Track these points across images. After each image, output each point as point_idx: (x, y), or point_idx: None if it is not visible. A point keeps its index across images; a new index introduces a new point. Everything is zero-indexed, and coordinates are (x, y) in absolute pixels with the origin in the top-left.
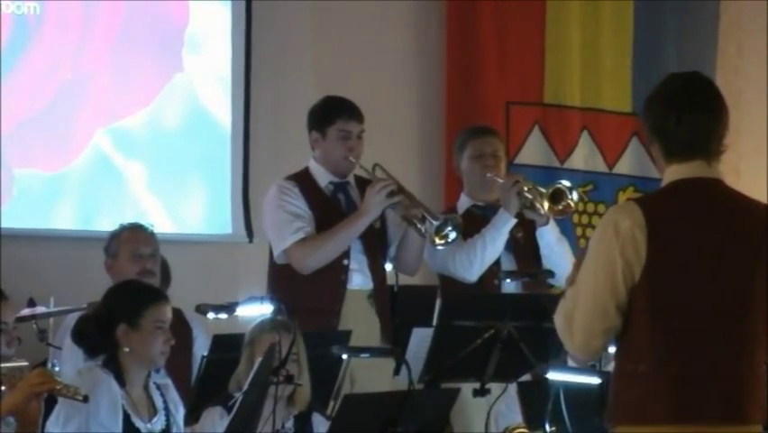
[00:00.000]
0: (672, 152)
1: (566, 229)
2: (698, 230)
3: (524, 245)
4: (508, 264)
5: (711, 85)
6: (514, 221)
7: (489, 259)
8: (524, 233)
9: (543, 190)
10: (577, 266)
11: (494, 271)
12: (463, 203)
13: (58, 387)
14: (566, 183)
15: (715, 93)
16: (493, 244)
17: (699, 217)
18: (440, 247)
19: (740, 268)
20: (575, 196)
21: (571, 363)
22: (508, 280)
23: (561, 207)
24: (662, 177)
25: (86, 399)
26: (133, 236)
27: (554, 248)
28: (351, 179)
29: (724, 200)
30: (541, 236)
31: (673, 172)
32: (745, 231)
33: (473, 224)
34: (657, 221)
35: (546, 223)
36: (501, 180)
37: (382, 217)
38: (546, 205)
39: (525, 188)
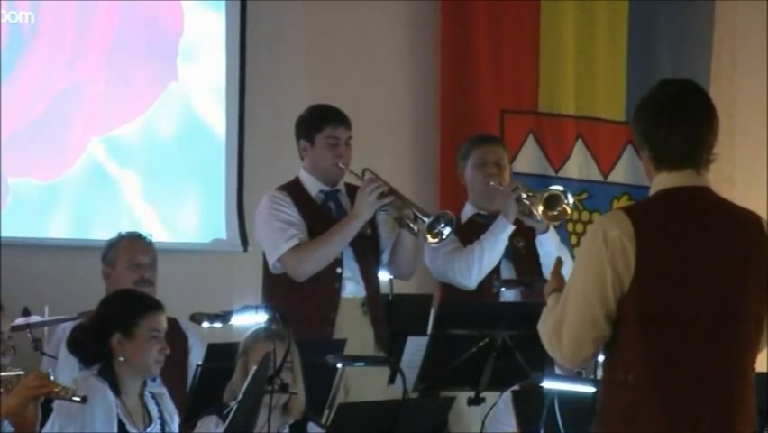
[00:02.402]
0: (662, 159)
1: (561, 238)
2: (687, 239)
3: (525, 255)
4: (508, 273)
5: (702, 93)
6: (512, 228)
7: (488, 266)
8: (525, 242)
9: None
10: (555, 274)
11: (493, 279)
12: (467, 212)
13: (56, 389)
14: (559, 187)
15: (706, 101)
16: (491, 251)
17: (689, 226)
18: (435, 245)
19: (730, 276)
20: (570, 199)
21: (558, 370)
22: (504, 289)
23: (556, 213)
24: (650, 183)
25: (84, 399)
26: (132, 245)
27: (554, 256)
28: (341, 186)
29: (713, 209)
30: (540, 244)
31: (662, 181)
32: (735, 239)
33: (476, 233)
34: (646, 230)
35: (546, 230)
36: (502, 188)
37: (373, 223)
38: (540, 209)
39: (524, 195)
